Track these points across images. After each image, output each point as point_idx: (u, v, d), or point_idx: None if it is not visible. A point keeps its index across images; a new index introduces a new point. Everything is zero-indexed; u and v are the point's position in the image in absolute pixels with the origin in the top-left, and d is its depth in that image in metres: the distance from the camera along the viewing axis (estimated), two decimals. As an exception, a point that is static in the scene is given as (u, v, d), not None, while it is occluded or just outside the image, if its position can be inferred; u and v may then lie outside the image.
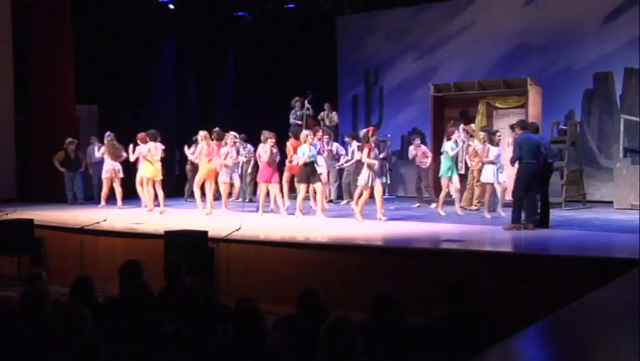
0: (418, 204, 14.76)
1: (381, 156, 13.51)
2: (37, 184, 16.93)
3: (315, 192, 12.98)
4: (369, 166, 11.84)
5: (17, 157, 17.28)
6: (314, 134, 13.80)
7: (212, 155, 13.40)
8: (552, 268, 7.97)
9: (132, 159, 14.14)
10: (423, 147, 15.44)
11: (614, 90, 15.54)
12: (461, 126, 14.57)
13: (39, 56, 17.07)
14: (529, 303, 7.67)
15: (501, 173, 12.76)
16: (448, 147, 13.09)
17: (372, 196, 12.05)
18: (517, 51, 16.63)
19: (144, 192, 13.99)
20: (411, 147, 15.61)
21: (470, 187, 14.26)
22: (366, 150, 11.83)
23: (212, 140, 13.72)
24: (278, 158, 13.36)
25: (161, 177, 13.85)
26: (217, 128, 14.51)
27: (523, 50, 16.52)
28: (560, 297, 5.98)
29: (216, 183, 13.55)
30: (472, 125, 14.72)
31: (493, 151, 12.80)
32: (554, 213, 11.87)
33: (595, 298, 4.84)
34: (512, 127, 11.76)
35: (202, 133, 13.61)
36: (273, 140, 13.19)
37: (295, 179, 13.64)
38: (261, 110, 19.90)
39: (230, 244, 9.95)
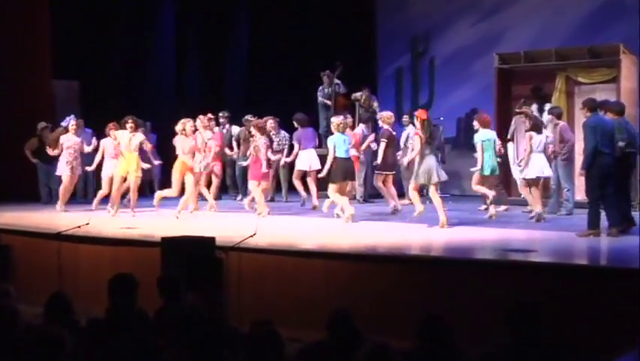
0: (484, 206, 14.68)
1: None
2: (3, 179, 16.86)
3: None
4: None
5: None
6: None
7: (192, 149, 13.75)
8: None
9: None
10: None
11: None
12: (533, 106, 14.52)
13: (2, 19, 17.11)
14: (615, 328, 7.65)
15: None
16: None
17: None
18: (605, 10, 16.51)
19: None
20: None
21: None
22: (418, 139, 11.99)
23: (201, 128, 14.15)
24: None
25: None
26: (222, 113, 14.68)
27: (614, 9, 16.37)
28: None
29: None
30: (548, 105, 14.65)
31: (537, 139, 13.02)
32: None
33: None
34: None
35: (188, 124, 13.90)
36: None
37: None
38: (281, 87, 20.03)
39: (242, 254, 10.01)
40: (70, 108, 17.64)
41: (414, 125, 13.59)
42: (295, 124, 15.42)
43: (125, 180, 14.07)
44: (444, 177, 12.21)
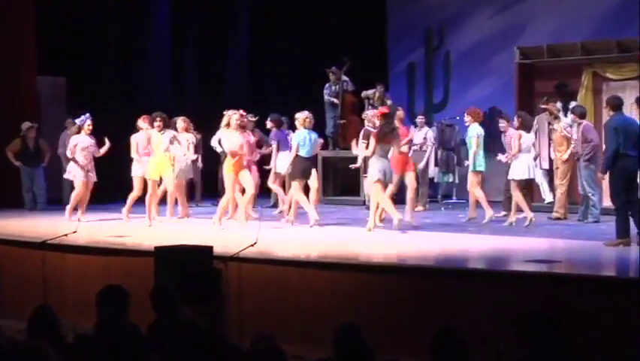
0: (503, 212, 14.63)
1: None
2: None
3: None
4: None
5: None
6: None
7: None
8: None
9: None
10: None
11: None
12: (557, 104, 14.52)
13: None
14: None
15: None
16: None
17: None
18: (635, 0, 16.46)
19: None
20: (511, 133, 15.15)
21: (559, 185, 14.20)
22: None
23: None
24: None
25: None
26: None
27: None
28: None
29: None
30: (552, 105, 14.60)
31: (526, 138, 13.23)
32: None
33: None
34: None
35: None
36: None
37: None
38: (284, 85, 20.01)
39: (242, 264, 10.00)
40: (56, 106, 17.79)
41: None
42: (269, 125, 15.25)
43: (159, 184, 13.92)
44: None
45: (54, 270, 11.29)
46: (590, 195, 13.32)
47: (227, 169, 13.15)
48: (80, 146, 14.19)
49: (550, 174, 15.07)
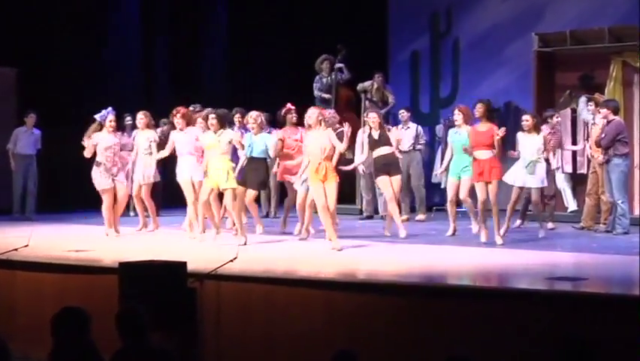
0: (519, 222, 14.74)
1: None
2: None
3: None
4: None
5: None
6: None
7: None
8: None
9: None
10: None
11: None
12: (583, 98, 14.53)
13: None
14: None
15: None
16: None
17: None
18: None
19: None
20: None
21: (594, 192, 14.24)
22: None
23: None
24: None
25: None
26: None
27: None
28: None
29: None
30: (599, 95, 14.67)
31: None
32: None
33: None
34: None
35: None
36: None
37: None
38: (270, 77, 19.99)
39: (221, 283, 9.98)
40: (5, 100, 17.71)
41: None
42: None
43: (219, 194, 13.45)
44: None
45: (2, 290, 11.26)
46: (619, 202, 13.35)
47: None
48: (102, 145, 13.87)
49: (574, 178, 15.11)
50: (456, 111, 13.71)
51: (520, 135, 13.29)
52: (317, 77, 17.39)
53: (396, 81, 18.96)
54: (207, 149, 13.01)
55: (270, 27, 20.13)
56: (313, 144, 12.47)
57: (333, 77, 17.35)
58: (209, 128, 13.11)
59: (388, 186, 13.55)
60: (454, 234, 13.71)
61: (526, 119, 13.35)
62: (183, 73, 20.06)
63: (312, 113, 12.63)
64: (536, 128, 13.28)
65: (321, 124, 12.54)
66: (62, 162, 14.92)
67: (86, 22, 18.70)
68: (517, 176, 13.17)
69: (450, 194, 13.58)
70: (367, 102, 17.03)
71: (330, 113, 13.86)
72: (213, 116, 13.02)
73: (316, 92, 17.43)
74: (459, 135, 13.37)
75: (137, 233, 14.21)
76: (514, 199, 13.22)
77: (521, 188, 13.23)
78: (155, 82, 19.94)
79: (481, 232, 12.88)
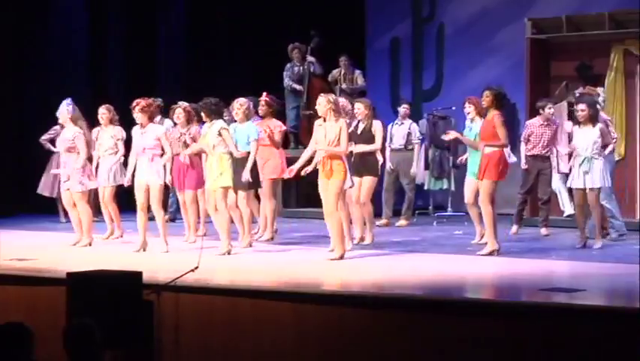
0: (516, 227, 14.96)
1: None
2: None
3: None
4: None
5: None
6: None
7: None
8: None
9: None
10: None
11: None
12: (579, 90, 14.53)
13: None
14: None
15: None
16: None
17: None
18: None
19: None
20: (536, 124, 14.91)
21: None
22: None
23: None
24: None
25: None
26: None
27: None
28: None
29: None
30: (599, 89, 14.73)
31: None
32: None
33: None
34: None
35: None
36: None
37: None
38: (234, 66, 19.99)
39: (180, 295, 9.99)
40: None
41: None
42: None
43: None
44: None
45: None
46: (604, 202, 13.43)
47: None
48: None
49: None
50: (467, 104, 13.89)
51: (574, 129, 13.25)
52: (288, 65, 17.54)
53: (374, 70, 19.31)
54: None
55: (235, 10, 20.18)
56: (321, 135, 12.31)
57: (305, 67, 17.43)
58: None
59: (355, 187, 13.23)
60: (481, 239, 13.48)
61: (582, 109, 13.12)
62: (136, 65, 20.02)
63: (321, 102, 12.33)
64: (592, 120, 13.03)
65: (332, 114, 12.24)
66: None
67: (31, 13, 18.80)
68: (574, 176, 13.10)
69: (467, 195, 13.66)
70: (340, 92, 16.93)
71: (343, 102, 13.60)
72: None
73: (286, 81, 17.61)
74: (472, 131, 13.47)
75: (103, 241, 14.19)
76: (578, 205, 13.16)
77: (583, 189, 13.03)
78: (104, 73, 19.90)
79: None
